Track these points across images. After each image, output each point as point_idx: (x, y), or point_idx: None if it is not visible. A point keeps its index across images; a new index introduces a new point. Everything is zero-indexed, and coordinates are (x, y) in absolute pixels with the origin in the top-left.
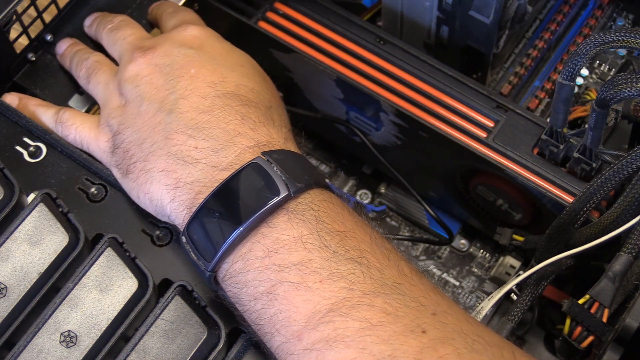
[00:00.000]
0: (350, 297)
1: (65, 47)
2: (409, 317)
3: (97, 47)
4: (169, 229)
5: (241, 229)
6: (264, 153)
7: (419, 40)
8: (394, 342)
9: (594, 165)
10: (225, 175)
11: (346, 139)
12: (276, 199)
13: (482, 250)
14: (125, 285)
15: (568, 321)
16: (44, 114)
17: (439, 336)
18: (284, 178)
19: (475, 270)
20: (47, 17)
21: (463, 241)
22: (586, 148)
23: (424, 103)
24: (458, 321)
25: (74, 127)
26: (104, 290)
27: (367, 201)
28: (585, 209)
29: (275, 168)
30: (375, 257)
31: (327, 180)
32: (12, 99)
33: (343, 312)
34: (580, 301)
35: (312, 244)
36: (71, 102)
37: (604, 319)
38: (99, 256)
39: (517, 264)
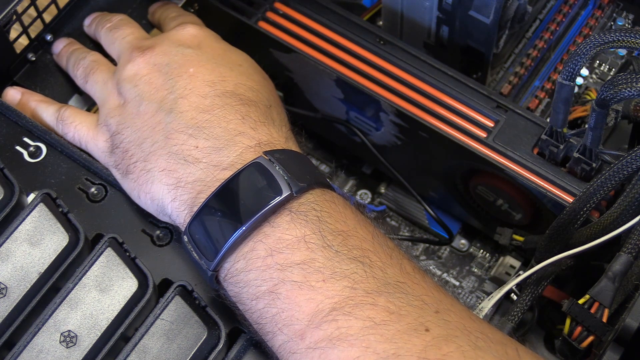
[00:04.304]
0: (353, 296)
1: (61, 46)
2: (412, 316)
3: (97, 46)
4: (169, 229)
5: (243, 228)
6: (265, 152)
7: (419, 40)
8: (397, 341)
9: (594, 165)
10: (226, 174)
11: (346, 139)
12: (278, 199)
13: (482, 250)
14: (125, 285)
15: (568, 321)
16: (46, 110)
17: (442, 334)
18: (286, 178)
19: (475, 270)
20: (47, 17)
21: (463, 241)
22: (586, 148)
23: (424, 103)
24: (461, 319)
25: (73, 125)
26: (104, 290)
27: (367, 201)
28: (585, 209)
29: (277, 168)
30: (378, 256)
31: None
32: (14, 93)
33: (346, 311)
34: (580, 301)
35: (314, 243)
36: (71, 102)
37: (604, 319)
38: (99, 256)
39: (517, 264)
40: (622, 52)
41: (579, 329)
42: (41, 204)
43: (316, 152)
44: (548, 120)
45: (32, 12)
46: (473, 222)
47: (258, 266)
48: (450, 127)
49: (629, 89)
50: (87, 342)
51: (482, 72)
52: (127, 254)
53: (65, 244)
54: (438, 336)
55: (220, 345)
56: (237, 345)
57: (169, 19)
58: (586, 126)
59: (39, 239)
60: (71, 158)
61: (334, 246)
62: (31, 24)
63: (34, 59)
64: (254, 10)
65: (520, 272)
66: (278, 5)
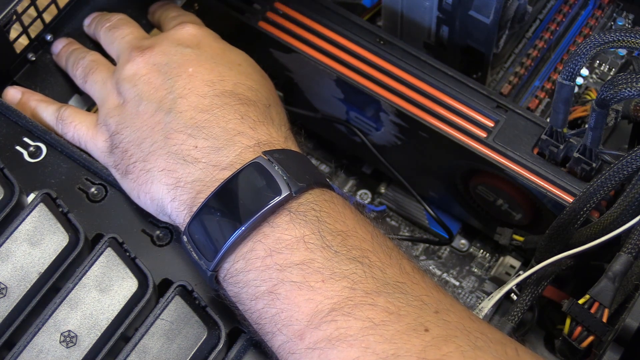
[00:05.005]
0: (352, 296)
1: (61, 46)
2: (411, 316)
3: (97, 46)
4: (169, 229)
5: (243, 228)
6: (265, 152)
7: (419, 40)
8: (397, 341)
9: (594, 165)
10: (226, 174)
11: (346, 139)
12: (277, 199)
13: (482, 250)
14: (125, 285)
15: (568, 321)
16: (46, 109)
17: (441, 334)
18: (285, 177)
19: (475, 270)
20: (47, 17)
21: (463, 241)
22: (586, 148)
23: (424, 103)
24: (460, 319)
25: (72, 125)
26: (104, 290)
27: (367, 201)
28: (585, 209)
29: (276, 167)
30: (377, 256)
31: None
32: (14, 92)
33: (345, 311)
34: (580, 301)
35: (314, 244)
36: (71, 102)
37: (604, 319)
38: (99, 256)
39: (517, 264)
40: (622, 52)
41: (579, 329)
42: (41, 204)
43: (316, 152)
44: (548, 120)
45: (32, 12)
46: (473, 222)
47: (257, 266)
48: (450, 127)
49: (629, 89)
50: (87, 342)
51: (482, 72)
52: (127, 254)
53: (65, 244)
54: (437, 336)
55: (220, 345)
56: (237, 345)
57: (168, 19)
58: (586, 126)
59: (39, 239)
60: (71, 158)
61: (333, 246)
62: (31, 24)
63: (34, 59)
64: (254, 10)
65: (520, 272)
66: (278, 5)
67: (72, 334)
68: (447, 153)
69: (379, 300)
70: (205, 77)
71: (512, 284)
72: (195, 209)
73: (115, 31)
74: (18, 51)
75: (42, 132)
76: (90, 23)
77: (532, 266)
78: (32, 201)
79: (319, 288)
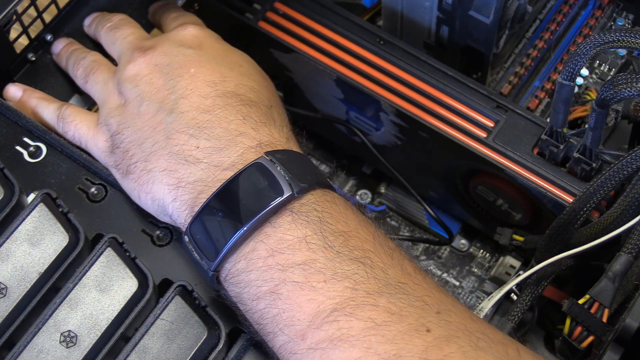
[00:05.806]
0: (354, 297)
1: (61, 46)
2: (413, 316)
3: (97, 46)
4: (169, 229)
5: (244, 228)
6: (267, 153)
7: (419, 40)
8: (398, 342)
9: (594, 165)
10: (227, 175)
11: (346, 139)
12: (279, 199)
13: (482, 250)
14: (125, 285)
15: (568, 321)
16: (47, 108)
17: (443, 334)
18: (287, 178)
19: (475, 270)
20: (47, 17)
21: (463, 241)
22: (586, 148)
23: (424, 103)
24: (462, 319)
25: (73, 124)
26: (104, 290)
27: (367, 201)
28: (585, 209)
29: (278, 168)
30: (379, 256)
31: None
32: (15, 90)
33: (347, 311)
34: (580, 301)
35: (316, 244)
36: (71, 102)
37: (604, 319)
38: (99, 256)
39: (517, 264)
40: (622, 52)
41: (579, 329)
42: (41, 204)
43: (316, 152)
44: (548, 120)
45: (32, 12)
46: (473, 222)
47: (259, 266)
48: (450, 127)
49: (629, 89)
50: (87, 342)
51: (482, 72)
52: (127, 254)
53: (65, 244)
54: (439, 337)
55: (220, 345)
56: (237, 345)
57: (169, 19)
58: (586, 126)
59: (39, 239)
60: (71, 158)
61: (335, 247)
62: (31, 24)
63: (34, 59)
64: (254, 10)
65: (520, 272)
66: (278, 5)
67: (72, 334)
68: (447, 153)
69: (381, 300)
70: (207, 78)
71: (512, 284)
72: (196, 209)
73: (117, 31)
74: (18, 51)
75: (42, 132)
76: (91, 23)
77: (532, 266)
78: (32, 201)
79: (321, 288)
